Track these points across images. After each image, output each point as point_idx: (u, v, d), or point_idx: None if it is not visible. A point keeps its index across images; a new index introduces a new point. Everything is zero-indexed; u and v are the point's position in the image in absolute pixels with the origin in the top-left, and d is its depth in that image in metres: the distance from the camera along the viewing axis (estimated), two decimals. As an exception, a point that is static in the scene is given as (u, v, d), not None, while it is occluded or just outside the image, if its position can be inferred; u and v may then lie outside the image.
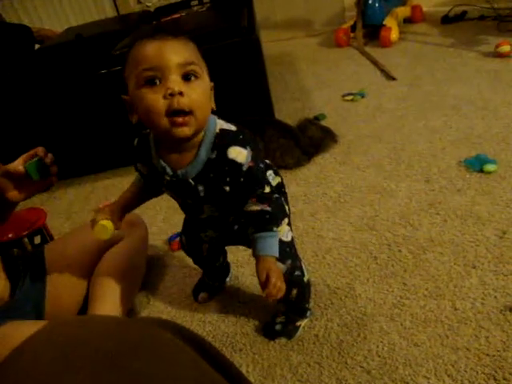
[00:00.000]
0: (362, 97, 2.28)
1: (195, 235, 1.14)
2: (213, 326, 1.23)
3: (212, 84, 0.89)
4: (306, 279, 1.12)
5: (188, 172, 0.91)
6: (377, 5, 3.01)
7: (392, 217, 1.46)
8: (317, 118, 2.13)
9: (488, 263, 1.21)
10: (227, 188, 0.91)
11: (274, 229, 0.93)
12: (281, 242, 1.03)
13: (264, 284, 0.91)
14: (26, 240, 1.51)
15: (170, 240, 1.56)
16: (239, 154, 0.86)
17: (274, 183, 1.04)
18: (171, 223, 1.67)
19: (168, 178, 0.93)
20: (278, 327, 1.15)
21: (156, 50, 0.81)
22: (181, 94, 0.80)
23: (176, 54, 0.81)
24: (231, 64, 1.84)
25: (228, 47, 1.82)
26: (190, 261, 1.41)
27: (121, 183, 2.03)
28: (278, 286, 0.91)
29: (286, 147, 1.80)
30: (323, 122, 2.06)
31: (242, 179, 0.89)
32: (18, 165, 1.04)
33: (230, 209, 1.00)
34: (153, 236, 1.63)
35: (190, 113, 0.81)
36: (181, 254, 1.50)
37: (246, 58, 1.85)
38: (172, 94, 0.80)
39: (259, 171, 0.91)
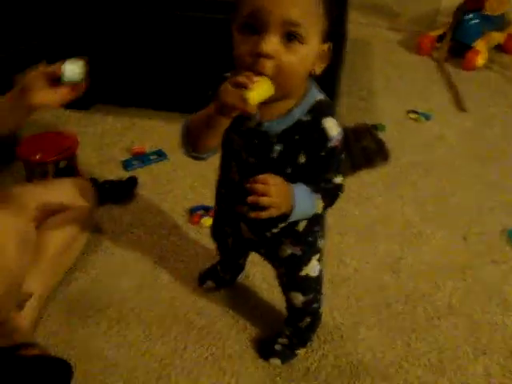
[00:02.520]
0: (427, 119, 2.17)
1: (229, 222, 1.07)
2: (209, 321, 1.21)
3: (327, 46, 0.80)
4: (321, 311, 1.11)
5: (274, 126, 0.83)
6: (474, 22, 2.81)
7: (418, 266, 1.40)
8: (375, 127, 2.04)
9: (499, 354, 1.17)
10: (302, 158, 0.84)
11: (318, 204, 0.85)
12: (307, 277, 1.02)
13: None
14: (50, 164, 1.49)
15: (192, 211, 1.52)
16: (333, 127, 0.81)
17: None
18: (198, 192, 1.63)
19: (251, 126, 0.84)
20: (277, 347, 1.13)
21: None
22: (269, 56, 0.72)
23: (284, 7, 0.70)
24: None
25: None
26: (206, 240, 1.39)
27: (162, 128, 1.97)
28: (269, 192, 0.77)
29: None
30: (380, 134, 1.96)
31: (322, 153, 0.82)
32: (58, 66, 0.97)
33: None
34: (175, 199, 1.60)
35: (272, 78, 0.73)
36: (199, 229, 1.47)
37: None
38: (259, 55, 0.72)
39: (341, 156, 0.85)
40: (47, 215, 1.20)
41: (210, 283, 1.28)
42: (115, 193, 1.58)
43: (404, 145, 1.97)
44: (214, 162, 0.98)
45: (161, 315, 1.22)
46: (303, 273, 1.01)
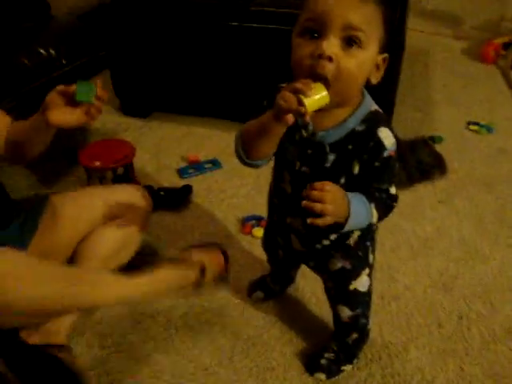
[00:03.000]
0: (489, 131, 2.08)
1: (280, 234, 1.06)
2: (256, 331, 1.22)
3: (383, 56, 0.81)
4: (368, 327, 1.10)
5: (328, 135, 0.84)
6: (543, 28, 2.69)
7: (474, 286, 1.35)
8: (432, 139, 1.98)
9: (560, 385, 1.10)
10: (356, 168, 0.84)
11: (373, 213, 0.85)
12: (356, 291, 1.01)
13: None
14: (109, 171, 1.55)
15: (245, 221, 1.54)
16: (388, 138, 0.82)
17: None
18: (251, 202, 1.64)
19: (304, 135, 0.86)
20: (323, 362, 1.12)
21: (327, 1, 0.74)
22: (330, 59, 0.73)
23: (345, 12, 0.73)
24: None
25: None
26: (257, 251, 1.39)
27: (217, 137, 2.00)
28: (325, 199, 0.76)
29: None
30: (438, 146, 1.90)
31: (376, 163, 0.82)
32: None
33: None
34: (228, 208, 1.62)
35: (330, 80, 0.75)
36: (250, 239, 1.48)
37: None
38: (320, 56, 0.73)
39: (395, 166, 0.85)
40: (109, 217, 1.21)
41: (259, 294, 1.29)
42: (170, 200, 1.62)
43: (462, 158, 1.90)
44: (268, 171, 1.00)
45: (209, 324, 1.24)
46: (352, 287, 1.00)
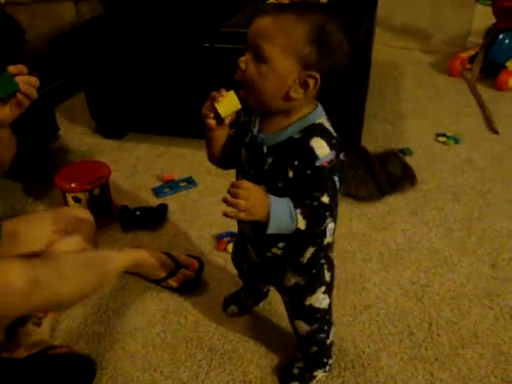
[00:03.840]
0: (456, 142, 2.15)
1: (241, 245, 1.10)
2: (232, 346, 1.24)
3: (308, 73, 0.83)
4: (328, 341, 1.12)
5: (267, 139, 0.90)
6: (506, 42, 2.79)
7: (443, 293, 1.39)
8: (402, 152, 2.04)
9: (527, 386, 1.15)
10: (291, 173, 0.87)
11: (298, 219, 0.83)
12: (312, 307, 1.03)
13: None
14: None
15: (220, 238, 1.57)
16: (321, 148, 0.84)
17: (325, 240, 0.98)
18: (227, 219, 1.65)
19: (248, 138, 0.94)
20: (295, 371, 1.15)
21: (252, 23, 0.85)
22: (240, 66, 0.85)
23: (256, 30, 0.83)
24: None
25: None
26: (231, 266, 1.42)
27: (192, 156, 2.04)
28: (239, 195, 0.79)
29: (362, 178, 1.74)
30: (407, 158, 1.96)
31: (308, 171, 0.85)
32: None
33: None
34: (203, 226, 1.65)
35: (246, 87, 0.86)
36: (225, 255, 1.51)
37: (349, 74, 1.77)
38: (238, 67, 0.86)
39: (328, 178, 0.86)
40: (58, 235, 1.21)
41: (233, 308, 1.32)
42: (146, 219, 1.64)
43: (431, 169, 1.96)
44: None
45: (185, 339, 1.26)
46: (307, 302, 1.03)
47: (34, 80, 1.01)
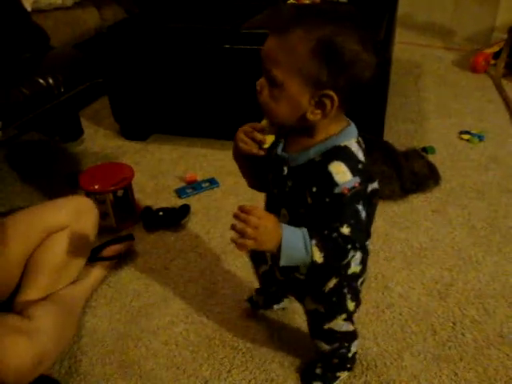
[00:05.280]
0: (480, 140, 2.12)
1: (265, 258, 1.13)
2: (254, 344, 1.24)
3: (323, 93, 0.77)
4: (350, 355, 1.11)
5: (290, 158, 0.86)
6: (531, 37, 2.74)
7: (468, 292, 1.37)
8: (425, 150, 2.02)
9: (554, 387, 1.12)
10: (309, 200, 0.83)
11: (313, 251, 0.78)
12: (331, 330, 1.02)
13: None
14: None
15: (241, 237, 1.57)
16: (341, 174, 0.78)
17: (350, 270, 0.94)
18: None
19: (274, 155, 0.90)
20: (318, 371, 1.15)
21: (264, 43, 0.81)
22: (257, 91, 0.82)
23: (264, 52, 0.80)
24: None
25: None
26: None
27: (214, 156, 2.05)
28: (248, 222, 0.75)
29: (386, 176, 1.72)
30: (430, 157, 1.94)
31: (327, 199, 0.79)
32: None
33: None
34: (225, 226, 1.66)
35: (265, 110, 0.83)
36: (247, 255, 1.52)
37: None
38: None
39: (350, 206, 0.79)
40: (58, 228, 1.28)
41: (259, 298, 1.31)
42: (168, 220, 1.66)
43: (455, 167, 1.94)
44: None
45: (208, 338, 1.27)
46: (326, 327, 1.01)
47: None
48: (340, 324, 1.01)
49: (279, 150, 0.89)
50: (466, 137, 2.14)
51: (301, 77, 0.76)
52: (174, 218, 1.67)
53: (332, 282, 0.94)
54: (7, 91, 1.69)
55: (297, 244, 0.78)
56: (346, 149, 0.81)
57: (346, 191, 0.78)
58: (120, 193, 1.63)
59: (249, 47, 1.86)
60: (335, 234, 0.78)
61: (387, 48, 1.77)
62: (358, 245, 0.81)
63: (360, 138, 0.85)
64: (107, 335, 1.29)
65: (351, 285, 0.97)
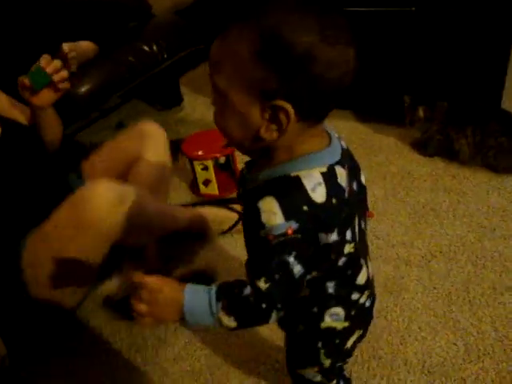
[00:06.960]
0: None
1: None
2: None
3: (273, 103, 0.58)
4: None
5: (248, 179, 0.71)
6: None
7: None
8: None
9: None
10: (247, 235, 0.71)
11: (221, 319, 0.64)
12: (302, 377, 0.90)
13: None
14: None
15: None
16: (269, 214, 0.60)
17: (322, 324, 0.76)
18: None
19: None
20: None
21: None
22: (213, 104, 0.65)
23: (209, 57, 0.62)
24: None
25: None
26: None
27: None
28: (142, 297, 0.65)
29: (504, 148, 1.56)
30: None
31: (254, 241, 0.64)
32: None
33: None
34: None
35: (219, 130, 0.66)
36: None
37: (491, 33, 1.60)
38: None
39: (276, 257, 0.61)
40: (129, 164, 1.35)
41: None
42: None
43: None
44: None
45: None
46: (298, 371, 0.89)
47: (64, 73, 1.15)
48: (312, 374, 0.87)
49: (244, 170, 0.75)
50: None
51: (244, 85, 0.59)
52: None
53: (300, 329, 0.80)
54: (117, 61, 1.74)
55: (201, 310, 0.64)
56: (294, 182, 0.62)
57: (270, 237, 0.60)
58: (222, 160, 1.63)
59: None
60: (247, 291, 0.62)
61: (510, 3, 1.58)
62: (279, 305, 0.63)
63: (337, 168, 0.64)
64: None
65: (328, 342, 0.79)
